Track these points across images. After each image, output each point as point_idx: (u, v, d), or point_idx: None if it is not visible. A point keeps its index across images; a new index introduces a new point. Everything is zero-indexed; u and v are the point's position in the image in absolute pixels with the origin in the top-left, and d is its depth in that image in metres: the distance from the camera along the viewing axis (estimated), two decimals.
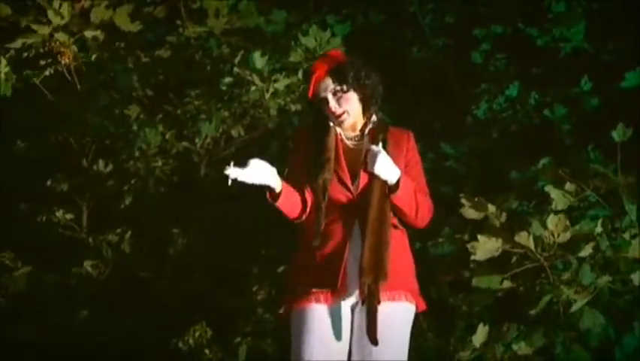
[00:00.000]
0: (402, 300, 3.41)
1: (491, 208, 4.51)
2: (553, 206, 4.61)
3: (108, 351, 5.18)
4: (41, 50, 5.20)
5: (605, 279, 4.50)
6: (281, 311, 3.47)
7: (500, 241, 4.43)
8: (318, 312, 3.35)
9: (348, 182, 3.42)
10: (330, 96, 3.43)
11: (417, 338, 4.68)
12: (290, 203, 3.38)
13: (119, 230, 5.47)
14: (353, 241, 3.38)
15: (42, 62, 5.29)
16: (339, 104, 3.44)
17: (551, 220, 4.44)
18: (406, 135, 3.54)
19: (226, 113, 5.25)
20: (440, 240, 4.96)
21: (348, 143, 3.49)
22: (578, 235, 4.49)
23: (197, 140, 5.28)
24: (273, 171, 3.30)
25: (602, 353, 4.54)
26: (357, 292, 3.37)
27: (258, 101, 5.21)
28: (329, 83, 3.44)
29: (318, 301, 3.36)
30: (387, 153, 3.38)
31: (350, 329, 3.40)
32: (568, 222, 4.46)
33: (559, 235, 4.45)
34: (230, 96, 5.23)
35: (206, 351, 4.98)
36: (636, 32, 5.76)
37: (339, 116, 3.44)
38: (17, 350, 5.26)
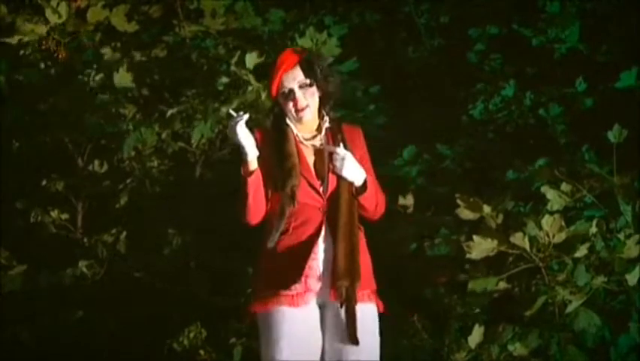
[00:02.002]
0: (369, 301, 3.43)
1: (487, 209, 4.52)
2: (548, 207, 4.63)
3: (102, 352, 5.17)
4: (38, 47, 5.18)
5: (600, 280, 4.51)
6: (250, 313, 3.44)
7: (496, 241, 4.44)
8: (288, 315, 3.34)
9: (317, 186, 3.42)
10: (296, 88, 3.42)
11: (411, 338, 4.70)
12: (258, 192, 3.36)
13: (114, 230, 5.45)
14: (323, 243, 3.39)
15: (38, 61, 5.27)
16: (305, 97, 3.43)
17: (546, 221, 4.45)
18: (357, 131, 3.56)
19: (222, 113, 5.24)
20: (436, 241, 4.97)
21: (307, 143, 3.48)
22: (574, 236, 4.50)
23: (192, 140, 5.27)
24: (255, 147, 3.32)
25: (597, 353, 4.54)
26: (328, 295, 3.37)
27: (255, 102, 5.21)
28: (297, 74, 3.42)
29: (286, 303, 3.35)
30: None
31: (321, 331, 3.41)
32: (563, 223, 4.47)
33: (554, 236, 4.46)
34: (227, 96, 5.23)
35: (201, 352, 4.98)
36: (631, 32, 5.78)
37: (302, 110, 3.42)
38: (12, 350, 5.25)
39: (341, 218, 3.38)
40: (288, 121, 3.45)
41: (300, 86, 3.42)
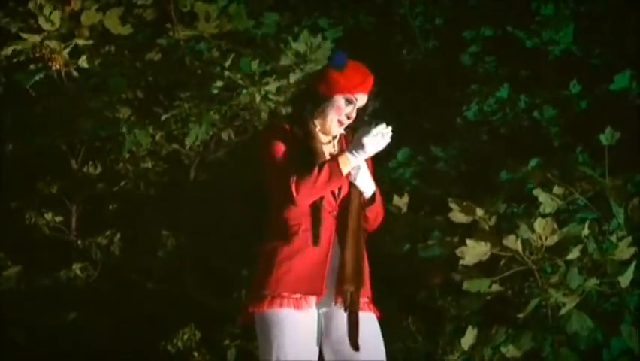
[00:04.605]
0: (368, 310, 3.45)
1: (479, 212, 4.52)
2: (541, 209, 4.63)
3: (96, 354, 5.17)
4: (31, 56, 5.17)
5: (593, 282, 4.51)
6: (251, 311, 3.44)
7: (489, 244, 4.45)
8: (291, 317, 3.35)
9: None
10: (356, 106, 3.47)
11: (405, 340, 4.70)
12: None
13: (108, 232, 5.46)
14: (333, 247, 3.41)
15: (32, 67, 5.26)
16: (351, 117, 3.49)
17: (539, 223, 4.46)
18: None
19: (216, 116, 5.25)
20: (429, 242, 4.97)
21: (324, 148, 3.51)
22: (566, 238, 4.50)
23: (187, 142, 5.28)
24: None
25: (590, 355, 4.55)
26: (332, 299, 3.39)
27: (249, 104, 5.21)
28: (364, 101, 3.48)
29: (291, 306, 3.36)
30: None
31: (322, 335, 3.43)
32: (556, 226, 4.48)
33: (547, 238, 4.46)
34: (221, 99, 5.23)
35: (195, 354, 4.99)
36: (624, 35, 5.79)
37: (343, 124, 3.48)
38: (5, 351, 5.25)
39: (350, 224, 3.41)
40: (316, 122, 3.49)
41: (356, 109, 3.48)
